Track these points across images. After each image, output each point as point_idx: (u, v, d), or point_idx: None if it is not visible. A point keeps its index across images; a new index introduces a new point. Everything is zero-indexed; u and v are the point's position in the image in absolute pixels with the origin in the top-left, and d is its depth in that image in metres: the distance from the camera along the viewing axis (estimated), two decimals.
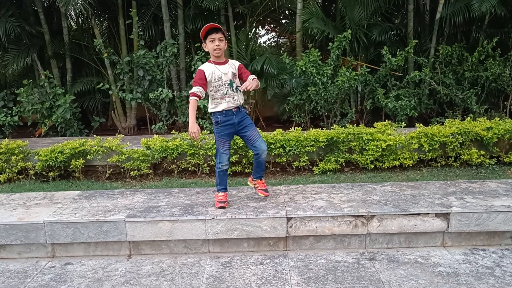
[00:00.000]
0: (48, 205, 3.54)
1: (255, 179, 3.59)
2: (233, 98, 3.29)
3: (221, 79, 3.24)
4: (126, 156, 4.41)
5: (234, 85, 3.30)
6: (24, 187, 4.29)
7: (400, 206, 3.27)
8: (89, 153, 4.43)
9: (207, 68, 3.25)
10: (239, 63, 3.39)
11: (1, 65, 8.27)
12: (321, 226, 3.17)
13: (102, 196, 3.78)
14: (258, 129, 4.28)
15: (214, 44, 3.18)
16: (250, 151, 4.34)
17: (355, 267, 2.94)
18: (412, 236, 3.23)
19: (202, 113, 6.74)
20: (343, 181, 4.13)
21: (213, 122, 3.39)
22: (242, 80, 3.32)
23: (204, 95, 3.25)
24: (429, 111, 7.10)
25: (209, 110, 3.38)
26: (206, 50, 3.28)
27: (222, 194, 3.43)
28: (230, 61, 3.35)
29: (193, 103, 3.20)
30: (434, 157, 4.46)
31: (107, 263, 3.13)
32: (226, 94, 3.26)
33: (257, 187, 3.59)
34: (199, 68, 3.28)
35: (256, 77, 3.33)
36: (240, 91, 3.34)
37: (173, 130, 4.98)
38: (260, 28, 9.42)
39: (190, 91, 3.25)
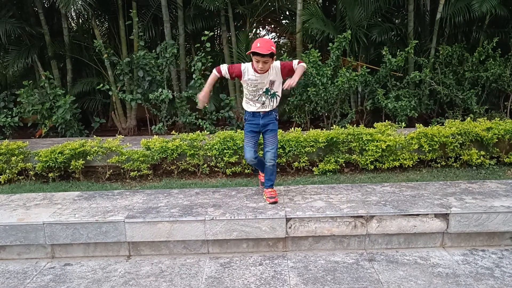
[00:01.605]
0: (47, 206, 3.54)
1: (264, 188, 3.59)
2: (263, 104, 3.34)
3: (257, 86, 3.28)
4: (126, 156, 4.42)
5: (270, 92, 3.32)
6: (24, 187, 4.29)
7: (400, 206, 3.26)
8: (89, 154, 4.43)
9: (247, 70, 3.26)
10: (280, 63, 3.27)
11: (1, 66, 8.29)
12: (320, 227, 3.17)
13: (101, 197, 3.78)
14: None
15: (258, 64, 3.16)
16: None
17: (354, 267, 2.94)
18: (411, 237, 3.23)
19: (202, 113, 6.75)
20: (343, 181, 4.13)
21: (243, 118, 3.51)
22: (290, 74, 3.26)
23: (227, 77, 3.31)
24: (429, 111, 7.09)
25: (243, 105, 3.47)
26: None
27: (269, 189, 3.50)
28: (272, 65, 3.25)
29: (212, 76, 3.30)
30: (434, 157, 4.46)
31: (107, 264, 3.14)
32: (258, 100, 3.33)
33: (265, 194, 3.55)
34: (241, 64, 3.29)
35: (301, 61, 3.30)
36: (276, 96, 3.35)
37: (173, 131, 4.98)
38: (260, 29, 9.42)
39: (218, 69, 3.30)
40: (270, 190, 3.51)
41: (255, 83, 3.27)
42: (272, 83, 3.29)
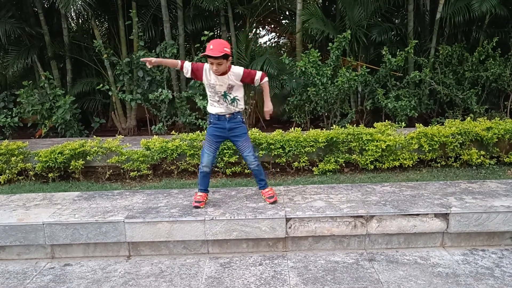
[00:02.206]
0: (47, 206, 3.54)
1: (260, 190, 3.58)
2: (226, 106, 3.31)
3: (215, 88, 3.26)
4: (126, 157, 4.42)
5: (229, 97, 3.29)
6: (23, 188, 4.29)
7: (400, 206, 3.26)
8: (89, 154, 4.43)
9: (208, 71, 3.26)
10: (243, 70, 3.27)
11: (1, 66, 8.28)
12: (320, 227, 3.17)
13: (101, 197, 3.78)
14: (257, 129, 4.29)
15: (212, 66, 3.16)
16: None
17: (354, 267, 2.94)
18: (411, 237, 3.23)
19: (202, 113, 6.75)
20: (343, 181, 4.12)
21: (207, 121, 3.45)
22: (247, 82, 3.32)
23: (187, 75, 3.33)
24: (429, 111, 7.09)
25: (207, 109, 3.43)
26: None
27: (201, 194, 3.46)
28: (233, 70, 3.25)
29: (173, 60, 3.39)
30: (434, 157, 4.46)
31: (106, 264, 3.13)
32: (219, 101, 3.31)
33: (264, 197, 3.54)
34: (205, 63, 3.28)
35: (264, 74, 3.32)
36: (237, 101, 3.31)
37: (173, 131, 4.98)
38: (260, 29, 9.43)
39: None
40: (267, 190, 3.50)
41: (213, 85, 3.25)
42: (230, 87, 3.26)
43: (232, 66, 3.27)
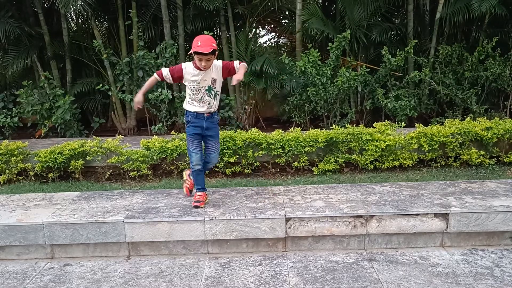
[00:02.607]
0: (47, 206, 3.54)
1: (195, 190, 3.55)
2: (208, 104, 3.31)
3: (199, 84, 3.26)
4: (126, 157, 4.42)
5: (213, 91, 3.30)
6: (23, 188, 4.29)
7: (399, 206, 3.26)
8: (89, 154, 4.43)
9: (188, 69, 3.26)
10: (222, 62, 3.31)
11: (1, 66, 8.28)
12: (320, 227, 3.17)
13: (101, 197, 3.78)
14: (257, 129, 4.29)
15: (201, 63, 3.16)
16: (249, 151, 4.34)
17: (354, 267, 2.94)
18: (411, 237, 3.23)
19: None
20: (343, 181, 4.13)
21: (184, 120, 3.46)
22: (231, 74, 3.33)
23: (169, 82, 3.37)
24: (429, 111, 7.09)
25: (184, 106, 3.43)
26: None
27: (200, 193, 3.46)
28: (213, 64, 3.27)
29: (152, 79, 3.36)
30: (434, 157, 4.46)
31: (106, 264, 3.13)
32: (201, 99, 3.30)
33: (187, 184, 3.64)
34: (182, 63, 3.30)
35: (242, 62, 3.33)
36: (218, 96, 3.35)
37: (173, 131, 4.98)
38: (260, 29, 9.41)
39: (157, 71, 3.33)
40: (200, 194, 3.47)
41: (197, 81, 3.25)
42: (214, 81, 3.28)
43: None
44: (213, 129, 3.41)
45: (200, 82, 3.25)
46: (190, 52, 3.22)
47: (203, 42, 3.09)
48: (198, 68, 3.22)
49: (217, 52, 3.21)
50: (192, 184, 3.64)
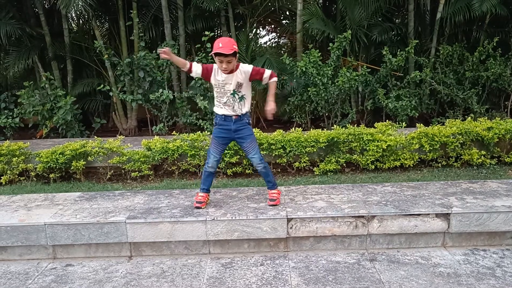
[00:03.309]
0: (49, 207, 3.55)
1: (268, 190, 3.53)
2: (232, 108, 3.29)
3: (224, 87, 3.26)
4: (127, 157, 4.42)
5: (238, 96, 3.27)
6: (25, 188, 4.30)
7: (401, 206, 3.27)
8: (90, 154, 4.44)
9: (217, 70, 3.26)
10: (252, 68, 3.27)
11: (2, 67, 8.29)
12: (322, 227, 3.17)
13: (102, 197, 3.78)
14: (258, 129, 4.29)
15: (221, 65, 3.15)
16: None
17: (356, 267, 2.94)
18: (412, 237, 3.23)
19: (202, 113, 6.75)
20: (344, 181, 4.13)
21: (214, 122, 3.43)
22: (255, 79, 3.32)
23: (197, 76, 3.33)
24: (430, 111, 7.09)
25: (213, 109, 3.42)
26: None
27: (202, 194, 3.45)
28: (241, 68, 3.25)
29: (182, 61, 3.31)
30: (435, 157, 4.46)
31: (108, 265, 3.14)
32: (226, 102, 3.29)
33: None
34: (214, 63, 3.29)
35: (273, 73, 3.32)
36: (245, 99, 3.30)
37: (174, 131, 4.98)
38: (260, 29, 9.43)
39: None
40: (272, 191, 3.46)
41: (223, 84, 3.25)
42: (239, 85, 3.25)
43: (241, 63, 3.27)
44: (242, 131, 3.33)
45: (225, 86, 3.25)
46: (211, 53, 3.21)
47: (224, 44, 3.08)
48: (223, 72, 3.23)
49: (237, 54, 3.19)
50: (270, 193, 3.47)
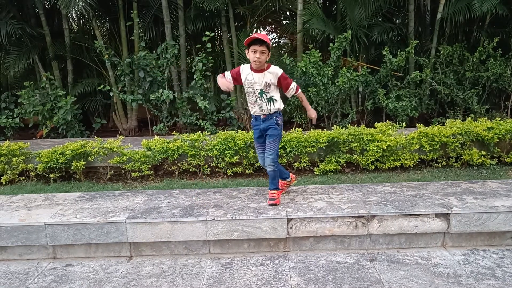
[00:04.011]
0: (49, 207, 3.55)
1: (268, 190, 3.54)
2: (260, 107, 3.33)
3: (253, 87, 3.29)
4: (127, 157, 4.42)
5: (266, 96, 3.30)
6: (25, 188, 4.30)
7: (401, 206, 3.27)
8: (90, 154, 4.44)
9: (244, 70, 3.32)
10: (282, 73, 3.29)
11: (2, 66, 8.30)
12: (321, 227, 3.17)
13: (103, 197, 3.79)
14: None
15: (255, 55, 3.17)
16: (250, 152, 4.34)
17: (356, 268, 2.94)
18: (412, 237, 3.23)
19: (202, 113, 6.76)
20: (344, 181, 4.13)
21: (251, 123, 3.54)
22: (281, 86, 3.35)
23: (230, 82, 3.32)
24: (430, 111, 7.10)
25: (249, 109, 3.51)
26: (248, 57, 3.26)
27: (273, 191, 3.46)
28: (271, 69, 3.27)
29: (224, 83, 3.30)
30: (435, 157, 4.46)
31: (108, 265, 3.14)
32: (255, 102, 3.34)
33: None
34: (242, 65, 3.37)
35: (298, 86, 3.41)
36: (273, 101, 3.31)
37: (174, 131, 4.98)
38: (261, 29, 9.43)
39: (223, 74, 3.38)
40: (272, 192, 3.47)
41: (251, 83, 3.29)
42: (267, 85, 3.27)
43: (272, 65, 3.30)
44: (270, 130, 3.37)
45: (253, 85, 3.28)
46: (246, 41, 3.22)
47: (259, 35, 3.20)
48: (253, 69, 3.26)
49: (270, 52, 3.24)
50: (270, 193, 3.49)
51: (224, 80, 3.29)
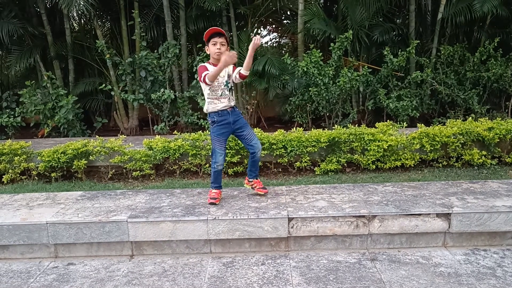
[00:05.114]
0: (51, 206, 3.56)
1: (251, 179, 3.66)
2: (228, 99, 3.40)
3: (218, 80, 3.34)
4: (128, 156, 4.43)
5: (229, 86, 3.41)
6: (27, 187, 4.31)
7: (402, 206, 3.27)
8: (92, 153, 4.45)
9: (209, 67, 3.36)
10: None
11: (4, 66, 8.31)
12: (323, 227, 3.18)
13: (104, 196, 3.80)
14: (259, 129, 4.31)
15: (215, 47, 3.31)
16: None
17: (357, 267, 2.95)
18: (413, 237, 3.24)
19: (204, 113, 6.75)
20: (345, 181, 4.14)
21: (209, 122, 3.50)
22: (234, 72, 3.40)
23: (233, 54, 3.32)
24: (431, 111, 7.10)
25: (205, 110, 3.49)
26: (208, 52, 3.39)
27: (216, 191, 3.53)
28: None
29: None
30: (436, 157, 4.46)
31: (110, 264, 3.15)
32: (222, 95, 3.38)
33: (255, 187, 3.66)
34: (200, 64, 3.41)
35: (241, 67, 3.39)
36: (232, 89, 3.45)
37: (175, 131, 4.99)
38: (261, 29, 9.43)
39: (204, 76, 3.28)
40: (258, 180, 3.65)
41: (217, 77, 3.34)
42: (229, 76, 3.39)
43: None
44: (239, 120, 3.46)
45: (219, 78, 3.33)
46: (206, 37, 3.34)
47: (214, 29, 3.33)
48: (214, 65, 3.32)
49: (228, 46, 3.37)
50: (259, 182, 3.67)
51: (225, 57, 3.17)
